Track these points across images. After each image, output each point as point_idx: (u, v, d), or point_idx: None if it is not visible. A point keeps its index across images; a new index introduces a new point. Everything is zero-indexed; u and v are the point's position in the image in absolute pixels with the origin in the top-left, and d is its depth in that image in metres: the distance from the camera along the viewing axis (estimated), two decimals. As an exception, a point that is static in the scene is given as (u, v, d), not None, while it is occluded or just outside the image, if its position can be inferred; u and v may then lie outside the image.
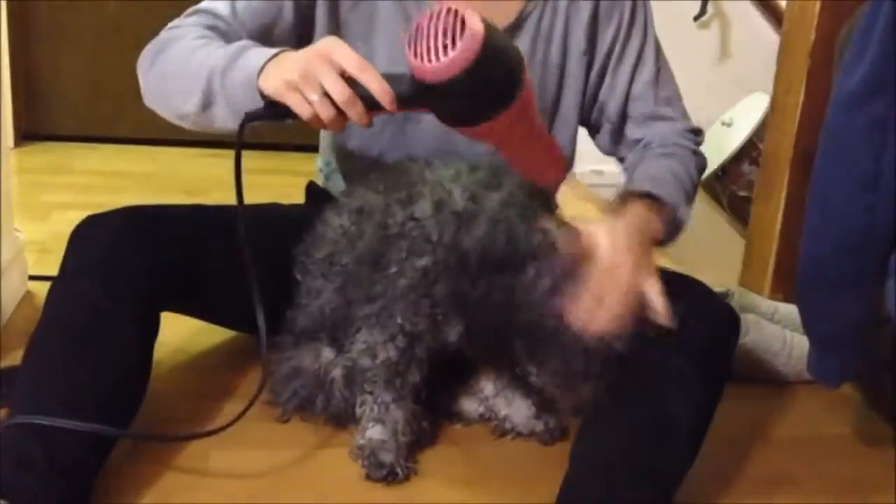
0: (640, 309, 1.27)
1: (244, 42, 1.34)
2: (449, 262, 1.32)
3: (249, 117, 1.23)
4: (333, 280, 1.47)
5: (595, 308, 1.23)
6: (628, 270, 1.26)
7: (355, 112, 1.18)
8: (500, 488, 1.44)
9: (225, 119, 1.32)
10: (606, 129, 1.67)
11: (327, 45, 1.19)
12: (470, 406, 1.59)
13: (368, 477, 1.40)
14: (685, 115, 1.68)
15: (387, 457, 1.40)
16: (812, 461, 1.62)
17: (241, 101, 1.26)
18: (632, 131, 1.65)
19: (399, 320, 1.38)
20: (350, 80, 1.17)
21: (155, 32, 1.44)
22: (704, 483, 1.44)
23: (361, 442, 1.43)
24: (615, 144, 1.68)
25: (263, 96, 1.23)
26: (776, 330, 1.91)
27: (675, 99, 1.67)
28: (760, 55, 2.72)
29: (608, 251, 1.25)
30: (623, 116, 1.65)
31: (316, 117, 1.19)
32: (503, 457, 1.53)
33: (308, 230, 1.52)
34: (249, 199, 1.34)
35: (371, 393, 1.43)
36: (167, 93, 1.39)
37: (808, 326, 1.50)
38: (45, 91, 3.49)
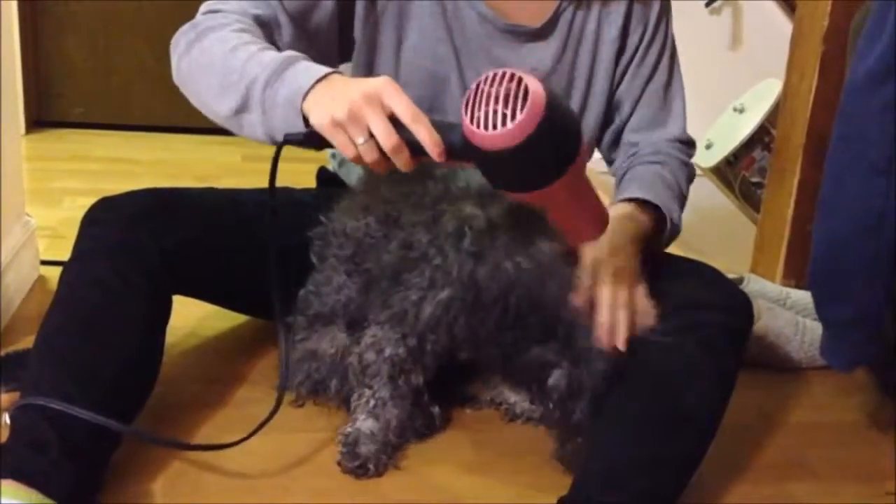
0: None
1: (291, 53, 1.28)
2: (465, 298, 1.32)
3: (287, 140, 1.20)
4: (356, 279, 1.46)
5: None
6: (610, 274, 1.34)
7: (401, 159, 1.15)
8: (510, 473, 1.44)
9: (255, 130, 1.28)
10: (614, 127, 1.67)
11: (380, 87, 1.14)
12: (479, 391, 1.59)
13: (339, 464, 1.39)
14: (684, 128, 1.68)
15: (364, 449, 1.38)
16: (825, 447, 1.62)
17: (280, 118, 1.23)
18: (629, 135, 1.66)
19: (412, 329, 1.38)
20: (397, 123, 1.13)
21: (166, 19, 1.42)
22: (717, 469, 1.44)
23: (348, 430, 1.41)
24: (614, 145, 1.69)
25: (306, 122, 1.20)
26: (789, 316, 1.90)
27: (679, 110, 1.67)
28: (773, 41, 2.70)
29: (590, 259, 1.34)
30: (629, 118, 1.66)
31: (359, 158, 1.16)
32: (513, 442, 1.53)
33: (325, 214, 1.50)
34: (260, 184, 1.33)
35: (370, 387, 1.42)
36: (200, 86, 1.34)
37: (821, 311, 1.50)
38: (56, 78, 3.48)
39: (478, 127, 1.07)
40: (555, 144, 1.09)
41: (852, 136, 1.36)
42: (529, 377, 1.38)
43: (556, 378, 1.33)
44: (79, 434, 1.19)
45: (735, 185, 2.69)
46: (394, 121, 1.14)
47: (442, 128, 1.13)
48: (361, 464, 1.38)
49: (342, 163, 1.78)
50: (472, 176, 1.35)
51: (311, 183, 1.80)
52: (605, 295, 1.34)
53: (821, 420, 1.72)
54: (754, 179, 2.66)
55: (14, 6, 3.07)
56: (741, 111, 2.74)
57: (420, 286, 1.34)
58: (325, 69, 1.22)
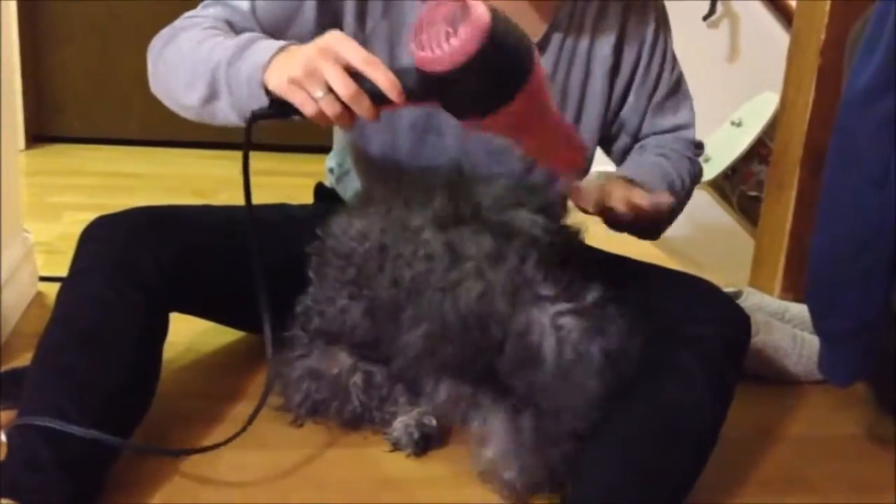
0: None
1: (252, 34, 1.31)
2: (442, 332, 1.32)
3: (256, 116, 1.21)
4: (359, 303, 1.45)
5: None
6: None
7: (362, 107, 1.15)
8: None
9: (227, 114, 1.30)
10: (623, 142, 1.69)
11: (331, 40, 1.15)
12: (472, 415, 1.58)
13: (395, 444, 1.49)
14: (692, 131, 1.70)
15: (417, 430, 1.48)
16: (823, 461, 1.61)
17: (246, 97, 1.24)
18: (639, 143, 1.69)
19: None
20: (356, 75, 1.14)
21: (163, 32, 1.44)
22: (715, 483, 1.44)
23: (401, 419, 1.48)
24: (625, 156, 1.70)
25: (269, 93, 1.20)
26: (787, 329, 1.90)
27: (687, 116, 1.69)
28: (770, 54, 2.71)
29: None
30: (639, 130, 1.67)
31: (321, 114, 1.16)
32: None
33: (323, 230, 1.50)
34: (258, 199, 1.33)
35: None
36: (172, 83, 1.37)
37: (819, 324, 1.50)
38: (55, 93, 3.50)
39: (423, 51, 1.08)
40: (503, 60, 1.09)
41: (849, 149, 1.36)
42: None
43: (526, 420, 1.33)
44: (74, 451, 1.19)
45: (733, 199, 2.69)
46: (352, 74, 1.14)
47: (399, 72, 1.13)
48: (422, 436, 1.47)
49: (340, 178, 1.78)
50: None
51: (310, 198, 1.80)
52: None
53: (819, 434, 1.72)
54: (752, 193, 2.67)
55: (14, 21, 3.08)
56: (739, 125, 2.75)
57: (410, 325, 1.34)
58: (283, 42, 1.24)
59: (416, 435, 1.48)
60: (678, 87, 1.68)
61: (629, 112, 1.65)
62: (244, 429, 1.35)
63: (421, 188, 1.41)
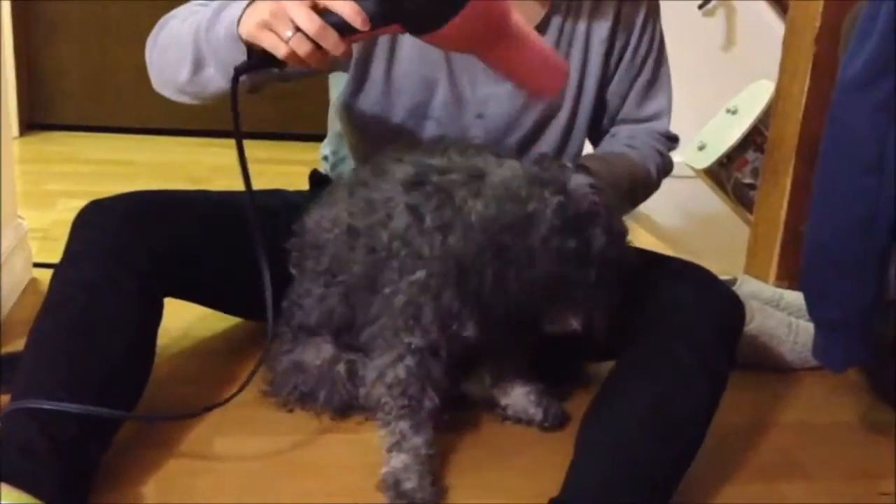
0: None
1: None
2: (448, 270, 1.31)
3: (239, 71, 1.22)
4: (335, 290, 1.47)
5: None
6: None
7: (329, 41, 1.15)
8: (505, 474, 1.44)
9: (217, 80, 1.31)
10: (603, 124, 1.71)
11: None
12: (472, 389, 1.58)
13: None
14: (667, 123, 1.71)
15: (409, 485, 1.34)
16: (817, 448, 1.62)
17: (228, 57, 1.25)
18: (611, 127, 1.70)
19: (404, 338, 1.37)
20: (322, 13, 1.15)
21: (157, 21, 1.43)
22: (710, 469, 1.44)
23: (385, 470, 1.37)
24: (599, 138, 1.72)
25: (246, 45, 1.22)
26: (782, 317, 1.90)
27: (663, 105, 1.70)
28: (765, 43, 2.70)
29: None
30: (617, 114, 1.69)
31: (293, 55, 1.17)
32: (505, 441, 1.53)
33: (299, 226, 1.51)
34: (255, 188, 1.33)
35: (387, 424, 1.40)
36: (165, 67, 1.38)
37: (813, 311, 1.50)
38: (49, 80, 3.48)
39: None
40: None
41: (844, 136, 1.37)
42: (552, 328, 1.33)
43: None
44: (67, 435, 1.19)
45: (728, 187, 2.69)
46: (319, 12, 1.15)
47: (361, 2, 1.15)
48: (411, 501, 1.33)
49: (335, 165, 1.78)
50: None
51: (305, 186, 1.79)
52: None
53: (814, 420, 1.72)
54: (747, 181, 2.67)
55: (7, 9, 3.07)
56: (734, 112, 2.74)
57: (392, 280, 1.34)
58: None
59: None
60: (658, 76, 1.69)
61: (612, 94, 1.67)
62: (242, 388, 1.35)
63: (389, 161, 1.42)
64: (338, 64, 1.54)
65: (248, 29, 1.19)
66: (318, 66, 1.19)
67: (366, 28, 1.15)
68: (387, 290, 1.36)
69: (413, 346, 1.37)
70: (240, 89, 1.25)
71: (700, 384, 1.34)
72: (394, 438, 1.38)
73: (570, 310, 1.28)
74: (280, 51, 1.16)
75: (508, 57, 1.26)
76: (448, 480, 1.40)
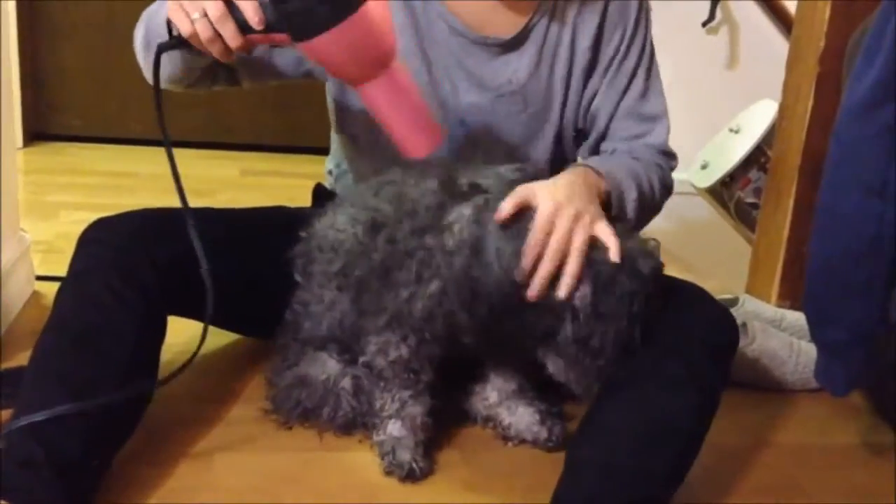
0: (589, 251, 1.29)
1: None
2: (462, 293, 1.32)
3: (161, 48, 1.28)
4: (348, 292, 1.47)
5: (541, 260, 1.28)
6: (572, 215, 1.29)
7: (227, 32, 1.22)
8: (502, 493, 1.43)
9: (164, 62, 1.34)
10: (592, 138, 1.67)
11: None
12: (476, 406, 1.58)
13: (388, 474, 1.41)
14: (664, 138, 1.66)
15: (405, 455, 1.41)
16: (818, 470, 1.61)
17: (161, 37, 1.30)
18: (606, 145, 1.66)
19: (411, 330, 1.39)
20: (231, 7, 1.22)
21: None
22: (710, 490, 1.44)
23: (381, 437, 1.44)
24: (594, 155, 1.68)
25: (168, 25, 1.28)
26: (783, 337, 1.90)
27: (659, 117, 1.65)
28: (769, 61, 2.70)
29: (547, 200, 1.29)
30: (607, 130, 1.64)
31: (196, 37, 1.23)
32: (506, 462, 1.52)
33: (308, 231, 1.51)
34: (258, 200, 1.33)
35: (389, 390, 1.44)
36: (141, 59, 1.45)
37: (816, 333, 1.50)
38: (53, 91, 3.49)
39: None
40: None
41: (848, 158, 1.36)
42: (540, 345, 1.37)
43: (563, 333, 1.31)
44: (68, 452, 1.19)
45: (731, 206, 2.69)
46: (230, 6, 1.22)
47: (264, 4, 1.22)
48: (409, 470, 1.41)
49: (338, 179, 1.78)
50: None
51: (309, 199, 1.79)
52: (559, 239, 1.29)
53: (815, 442, 1.72)
54: (750, 200, 2.66)
55: (12, 18, 3.07)
56: (737, 132, 2.74)
57: (408, 282, 1.35)
58: None
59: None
60: (649, 87, 1.65)
61: (598, 105, 1.63)
62: (184, 367, 1.37)
63: (416, 172, 1.43)
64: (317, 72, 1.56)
65: (169, 7, 1.25)
66: (220, 55, 1.25)
67: (260, 27, 1.22)
68: (404, 293, 1.36)
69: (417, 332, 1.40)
70: (175, 82, 1.37)
71: (688, 396, 1.33)
72: (395, 406, 1.44)
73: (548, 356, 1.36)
74: (185, 29, 1.23)
75: (383, 99, 1.29)
76: (446, 499, 1.40)
